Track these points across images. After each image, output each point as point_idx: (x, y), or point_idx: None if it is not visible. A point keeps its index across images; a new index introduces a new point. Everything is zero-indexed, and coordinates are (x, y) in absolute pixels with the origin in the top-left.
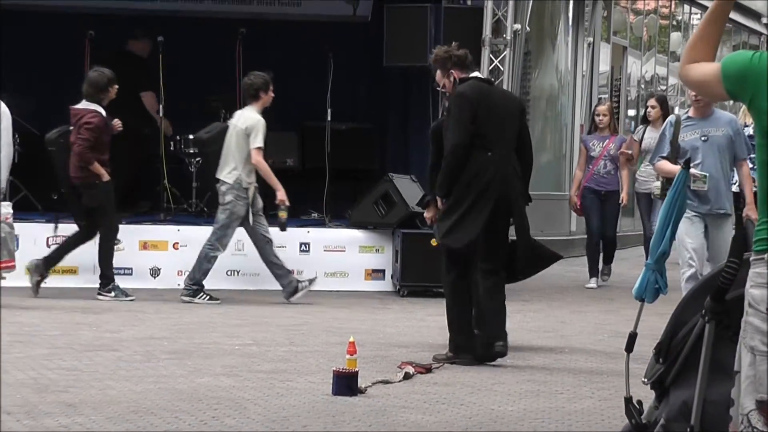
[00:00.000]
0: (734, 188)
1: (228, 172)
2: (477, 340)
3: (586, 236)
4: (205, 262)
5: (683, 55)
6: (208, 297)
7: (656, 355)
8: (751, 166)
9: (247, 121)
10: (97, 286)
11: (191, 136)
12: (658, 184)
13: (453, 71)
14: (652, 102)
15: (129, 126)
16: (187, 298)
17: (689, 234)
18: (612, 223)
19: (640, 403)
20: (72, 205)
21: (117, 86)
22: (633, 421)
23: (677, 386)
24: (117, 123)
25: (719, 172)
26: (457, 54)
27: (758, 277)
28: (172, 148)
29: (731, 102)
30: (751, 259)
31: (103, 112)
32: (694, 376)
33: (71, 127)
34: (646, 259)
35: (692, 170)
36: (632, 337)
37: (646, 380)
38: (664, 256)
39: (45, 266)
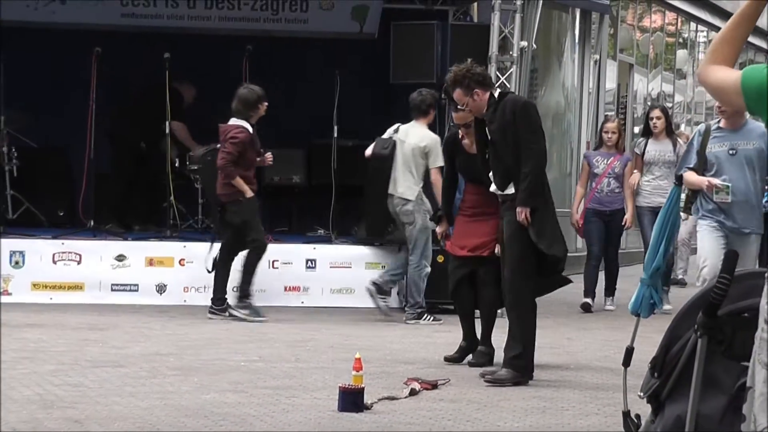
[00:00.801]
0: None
1: (408, 187)
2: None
3: (586, 256)
4: (420, 283)
5: (706, 54)
6: (432, 318)
7: (651, 370)
8: None
9: (425, 139)
10: (212, 302)
11: (194, 152)
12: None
13: (477, 90)
14: (656, 113)
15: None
16: (412, 322)
17: (706, 250)
18: (615, 243)
19: (638, 417)
20: (217, 222)
21: (266, 104)
22: None
23: (672, 400)
24: (269, 156)
25: (747, 187)
26: (478, 72)
27: None
28: (177, 165)
29: None
30: (766, 274)
31: (251, 129)
32: (687, 390)
33: (218, 146)
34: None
35: (715, 180)
36: (629, 352)
37: (641, 394)
38: (658, 271)
39: (242, 296)
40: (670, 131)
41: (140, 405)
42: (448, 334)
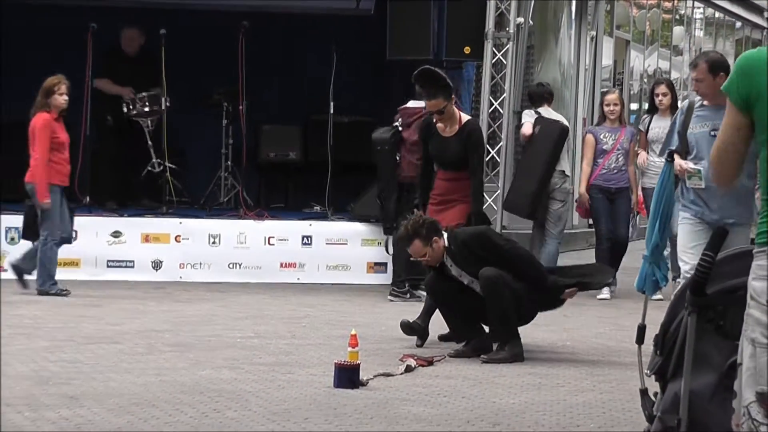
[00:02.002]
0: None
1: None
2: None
3: (595, 241)
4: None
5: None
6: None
7: (654, 347)
8: None
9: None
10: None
11: (142, 94)
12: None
13: (435, 238)
14: (662, 89)
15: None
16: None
17: (686, 246)
18: (624, 222)
19: (656, 395)
20: (394, 204)
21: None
22: (646, 413)
23: (672, 378)
24: None
25: None
26: (430, 221)
27: (760, 270)
28: (125, 110)
29: None
30: (753, 251)
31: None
32: (682, 368)
33: (400, 126)
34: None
35: (686, 164)
36: (641, 330)
37: (648, 372)
38: (658, 247)
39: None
40: (676, 107)
41: (136, 381)
42: None
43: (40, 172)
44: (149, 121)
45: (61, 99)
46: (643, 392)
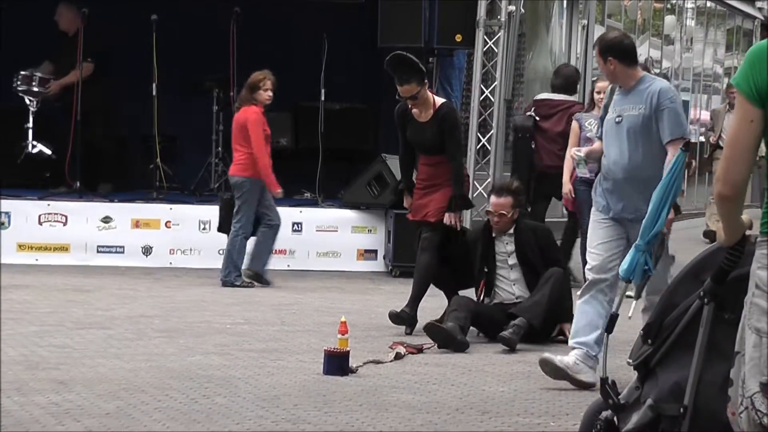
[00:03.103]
0: None
1: None
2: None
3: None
4: None
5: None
6: None
7: (644, 337)
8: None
9: None
10: None
11: (35, 73)
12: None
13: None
14: (603, 85)
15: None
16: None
17: (590, 246)
18: None
19: (614, 383)
20: (538, 192)
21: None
22: (610, 401)
23: (666, 367)
24: None
25: (628, 164)
26: None
27: (764, 258)
28: (14, 83)
29: None
30: (756, 240)
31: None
32: (685, 357)
33: (533, 114)
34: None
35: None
36: (613, 318)
37: (630, 361)
38: (657, 237)
39: None
40: None
41: (125, 367)
42: (433, 299)
43: (265, 164)
44: (35, 102)
45: (266, 94)
46: (604, 380)
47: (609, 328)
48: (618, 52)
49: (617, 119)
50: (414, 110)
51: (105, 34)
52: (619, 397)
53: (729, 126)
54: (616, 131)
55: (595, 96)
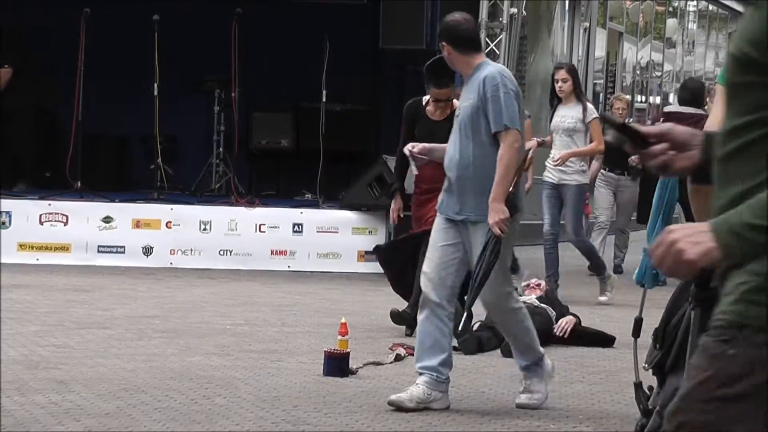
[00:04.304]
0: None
1: None
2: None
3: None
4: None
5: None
6: None
7: (654, 341)
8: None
9: None
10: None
11: None
12: None
13: None
14: (562, 74)
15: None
16: None
17: (431, 247)
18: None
19: (651, 388)
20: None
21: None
22: (641, 407)
23: (672, 373)
24: None
25: (460, 160)
26: None
27: None
28: None
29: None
30: None
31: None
32: (684, 362)
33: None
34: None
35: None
36: (638, 323)
37: (646, 366)
38: None
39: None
40: (580, 94)
41: (125, 367)
42: None
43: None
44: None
45: None
46: (637, 386)
47: (635, 332)
48: (451, 38)
49: (457, 113)
50: (429, 108)
51: (105, 34)
52: (648, 402)
53: (709, 118)
54: (456, 126)
55: (555, 86)
